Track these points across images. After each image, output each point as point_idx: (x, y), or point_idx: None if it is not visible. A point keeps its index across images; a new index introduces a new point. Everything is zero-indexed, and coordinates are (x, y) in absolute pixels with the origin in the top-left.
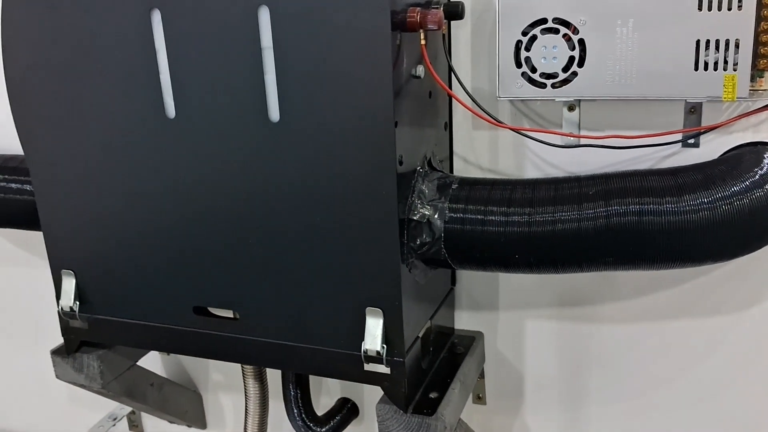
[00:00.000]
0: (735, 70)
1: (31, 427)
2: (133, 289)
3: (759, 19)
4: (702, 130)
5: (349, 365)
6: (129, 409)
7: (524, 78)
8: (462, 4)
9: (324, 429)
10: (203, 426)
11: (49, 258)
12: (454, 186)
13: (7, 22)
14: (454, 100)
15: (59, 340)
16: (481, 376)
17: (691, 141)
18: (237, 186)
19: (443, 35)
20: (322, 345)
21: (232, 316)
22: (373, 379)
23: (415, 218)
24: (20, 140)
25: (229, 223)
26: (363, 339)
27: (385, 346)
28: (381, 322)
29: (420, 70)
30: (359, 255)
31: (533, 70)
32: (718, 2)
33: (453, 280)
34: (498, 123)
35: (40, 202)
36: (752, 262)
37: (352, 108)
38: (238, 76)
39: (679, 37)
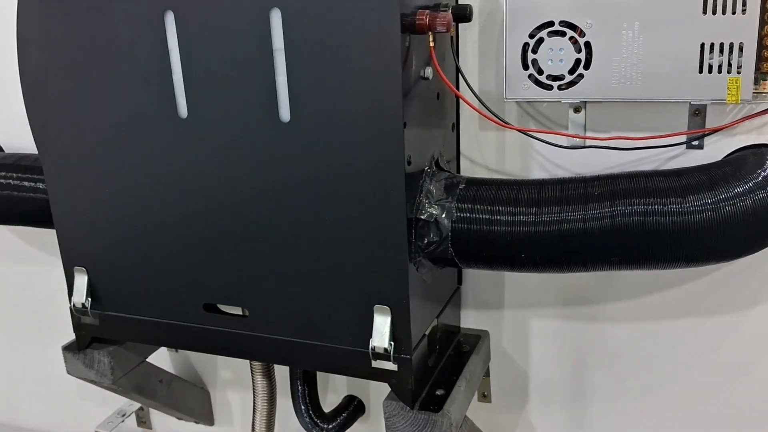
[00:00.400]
0: (739, 73)
1: (40, 422)
2: (144, 286)
3: (762, 23)
4: (706, 132)
5: (357, 362)
6: (137, 405)
7: (531, 80)
8: (470, 7)
9: (331, 426)
10: (211, 422)
11: (61, 255)
12: (461, 186)
13: (22, 23)
14: (461, 101)
15: (69, 337)
16: (487, 374)
17: (696, 143)
18: (247, 184)
19: (451, 37)
20: (330, 342)
21: (241, 313)
22: (380, 375)
23: (422, 217)
24: (34, 139)
25: (239, 222)
26: (371, 336)
27: (392, 343)
28: (389, 319)
29: (428, 71)
30: (367, 253)
31: (540, 72)
32: (723, 6)
33: (459, 280)
34: (504, 124)
35: (53, 200)
36: (755, 263)
37: (362, 109)
38: (249, 77)
39: (684, 41)
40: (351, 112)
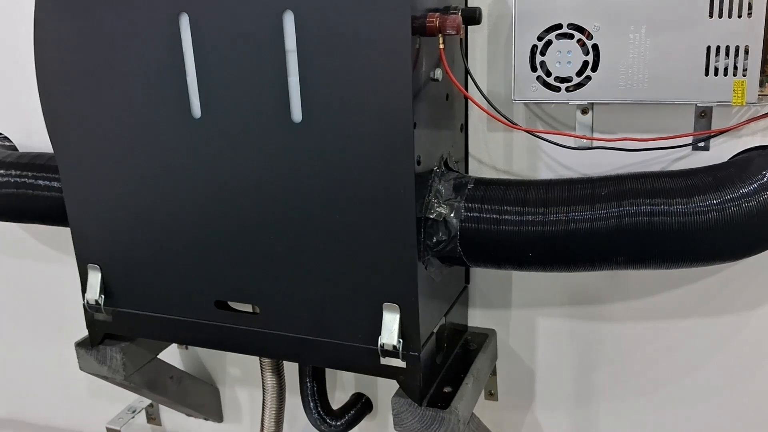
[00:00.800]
0: (744, 75)
1: (51, 418)
2: (157, 284)
3: None
4: (712, 134)
5: (366, 359)
6: (147, 401)
7: (539, 81)
8: (479, 10)
9: (339, 423)
10: (220, 419)
11: (75, 253)
12: (470, 186)
13: (39, 25)
14: (470, 102)
15: (82, 334)
16: (494, 372)
17: (702, 144)
18: (259, 184)
19: (461, 39)
20: (339, 339)
21: (252, 310)
22: (389, 372)
23: (431, 217)
24: (50, 139)
25: (251, 220)
26: (380, 333)
27: (401, 340)
28: (398, 317)
29: (438, 73)
30: (377, 252)
31: (548, 74)
32: (729, 9)
33: (467, 279)
34: (513, 125)
35: (67, 198)
36: (760, 262)
37: (373, 109)
38: (262, 78)
39: (691, 43)
40: (362, 113)
